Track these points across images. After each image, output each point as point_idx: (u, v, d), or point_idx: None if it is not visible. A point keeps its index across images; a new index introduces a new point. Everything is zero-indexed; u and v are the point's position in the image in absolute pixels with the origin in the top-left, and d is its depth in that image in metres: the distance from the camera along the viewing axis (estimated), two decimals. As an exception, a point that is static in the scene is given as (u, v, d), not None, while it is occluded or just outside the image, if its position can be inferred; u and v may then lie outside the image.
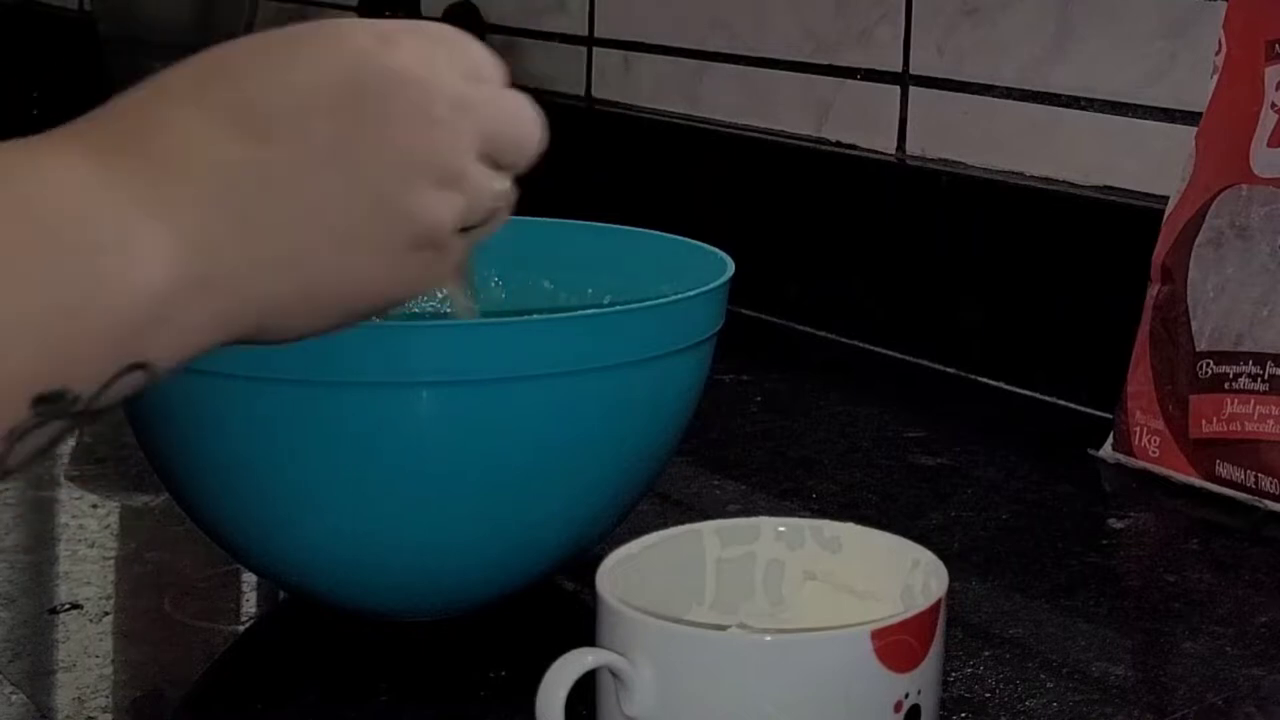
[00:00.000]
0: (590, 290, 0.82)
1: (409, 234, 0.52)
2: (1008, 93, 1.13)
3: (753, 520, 0.61)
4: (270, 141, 0.50)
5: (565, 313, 0.71)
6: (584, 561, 0.74)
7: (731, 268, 0.75)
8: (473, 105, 0.54)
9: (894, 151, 1.20)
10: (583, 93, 1.44)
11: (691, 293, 0.71)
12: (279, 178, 0.50)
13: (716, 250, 0.78)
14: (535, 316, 0.68)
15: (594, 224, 0.84)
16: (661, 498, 0.88)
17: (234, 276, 0.49)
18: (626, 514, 0.73)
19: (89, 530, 0.81)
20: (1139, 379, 0.93)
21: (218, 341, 0.50)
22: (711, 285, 0.72)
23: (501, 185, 0.55)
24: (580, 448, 0.68)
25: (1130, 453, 0.93)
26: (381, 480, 0.66)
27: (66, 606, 0.73)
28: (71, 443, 0.95)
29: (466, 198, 0.54)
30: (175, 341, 0.48)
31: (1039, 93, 1.11)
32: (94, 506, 0.84)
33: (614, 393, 0.68)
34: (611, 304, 0.80)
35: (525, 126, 0.56)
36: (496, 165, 0.55)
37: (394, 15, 1.51)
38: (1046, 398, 1.06)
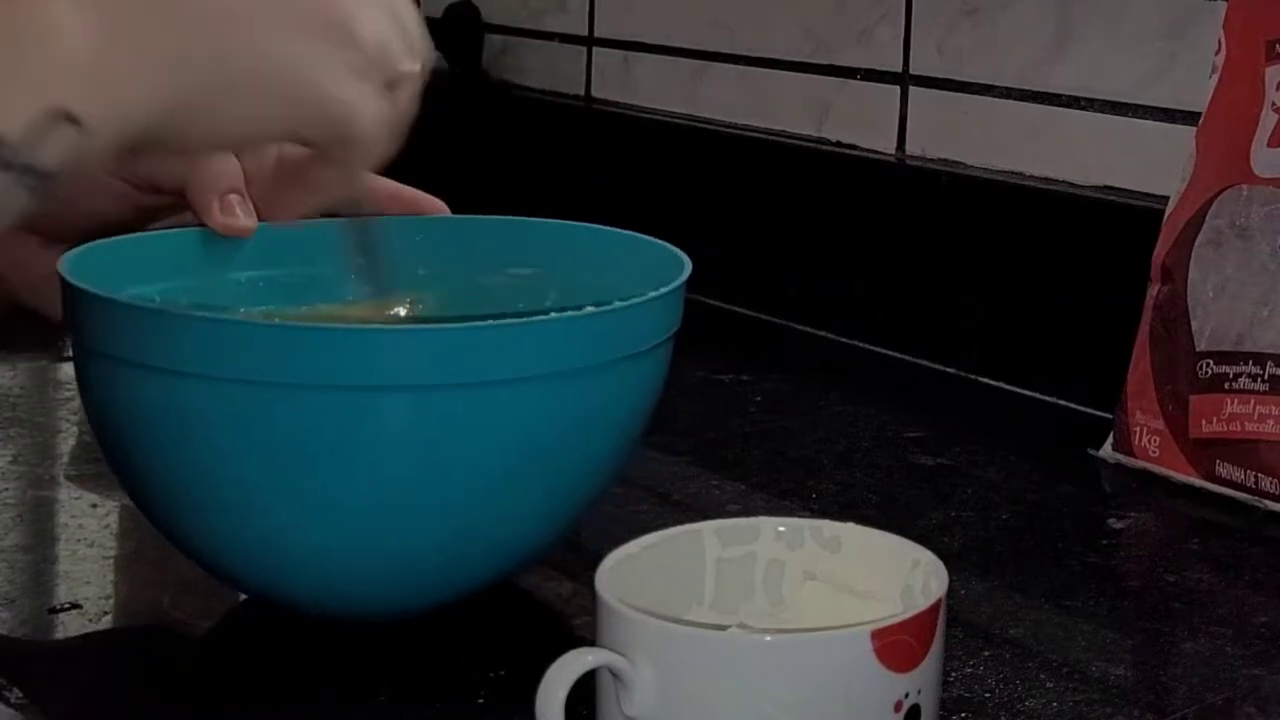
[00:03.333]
0: (549, 291, 0.81)
1: (323, 19, 0.57)
2: (1008, 93, 1.13)
3: (753, 520, 0.61)
4: None
5: (515, 317, 0.70)
6: (581, 560, 0.74)
7: (688, 268, 0.74)
8: None
9: (894, 151, 1.20)
10: (583, 93, 1.44)
11: (647, 297, 0.70)
12: None
13: (674, 248, 0.77)
14: (489, 323, 0.68)
15: (545, 220, 0.84)
16: (661, 498, 0.88)
17: (152, 48, 0.54)
18: (592, 507, 0.74)
19: (89, 530, 0.81)
20: (1139, 379, 0.93)
21: (147, 112, 0.55)
22: (667, 289, 0.71)
23: (409, 66, 0.62)
24: (542, 451, 0.68)
25: (1130, 453, 0.93)
26: (343, 484, 0.66)
27: (66, 606, 0.73)
28: (71, 442, 0.95)
29: (379, 30, 0.60)
30: (102, 100, 0.53)
31: (1039, 93, 1.11)
32: (94, 506, 0.84)
33: (570, 398, 0.68)
34: (560, 306, 0.79)
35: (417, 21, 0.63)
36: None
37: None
38: (1046, 398, 1.06)
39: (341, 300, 0.82)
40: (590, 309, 0.71)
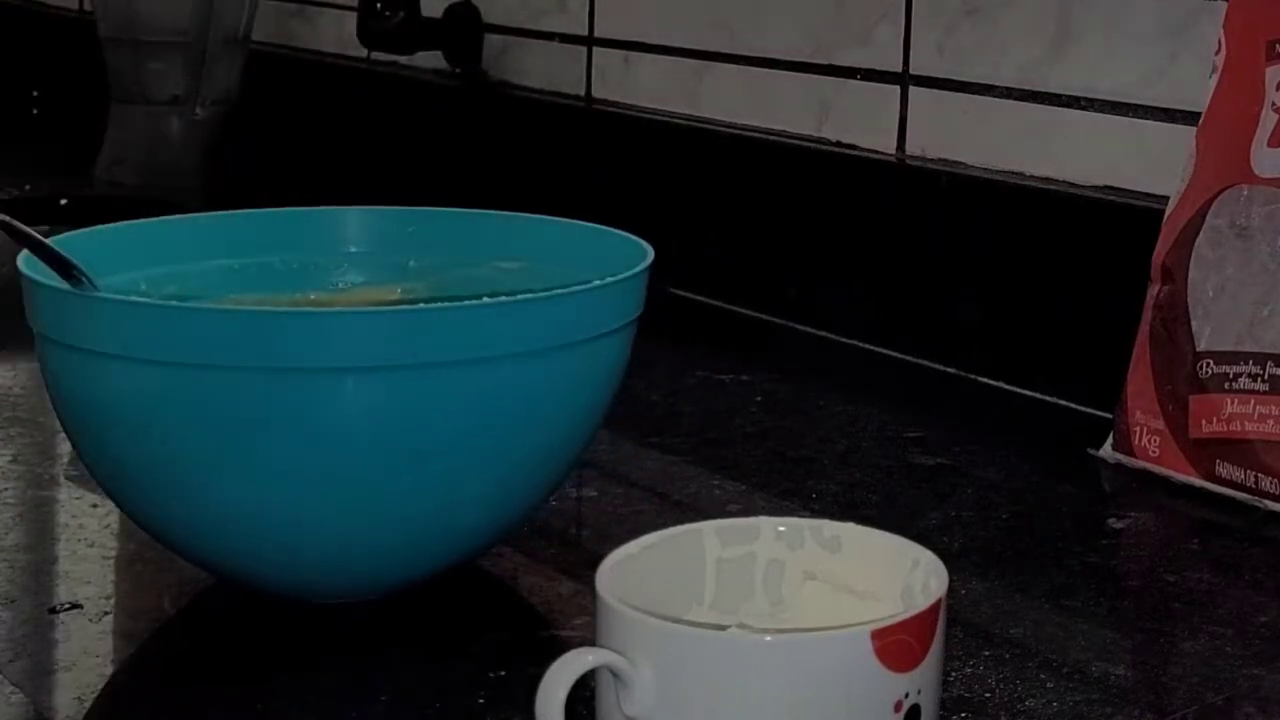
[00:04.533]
0: (534, 283, 0.82)
1: None
2: (1008, 93, 1.13)
3: (753, 520, 0.61)
4: None
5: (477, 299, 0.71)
6: (581, 560, 0.74)
7: (650, 255, 0.75)
8: None
9: (894, 151, 1.20)
10: (583, 93, 1.44)
11: (595, 284, 0.71)
12: None
13: (639, 240, 0.78)
14: (448, 304, 0.69)
15: (532, 215, 0.84)
16: (661, 498, 0.88)
17: None
18: (553, 491, 0.74)
19: (89, 530, 0.81)
20: (1139, 379, 0.93)
21: None
22: (619, 277, 0.72)
23: None
24: (501, 432, 0.69)
25: (1130, 453, 0.93)
26: (299, 464, 0.66)
27: (66, 606, 0.73)
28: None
29: None
30: None
31: (1039, 93, 1.11)
32: (94, 506, 0.84)
33: (523, 381, 0.69)
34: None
35: None
36: None
37: (393, 15, 1.52)
38: (1046, 398, 1.06)
39: (334, 288, 0.83)
40: (543, 293, 0.72)
